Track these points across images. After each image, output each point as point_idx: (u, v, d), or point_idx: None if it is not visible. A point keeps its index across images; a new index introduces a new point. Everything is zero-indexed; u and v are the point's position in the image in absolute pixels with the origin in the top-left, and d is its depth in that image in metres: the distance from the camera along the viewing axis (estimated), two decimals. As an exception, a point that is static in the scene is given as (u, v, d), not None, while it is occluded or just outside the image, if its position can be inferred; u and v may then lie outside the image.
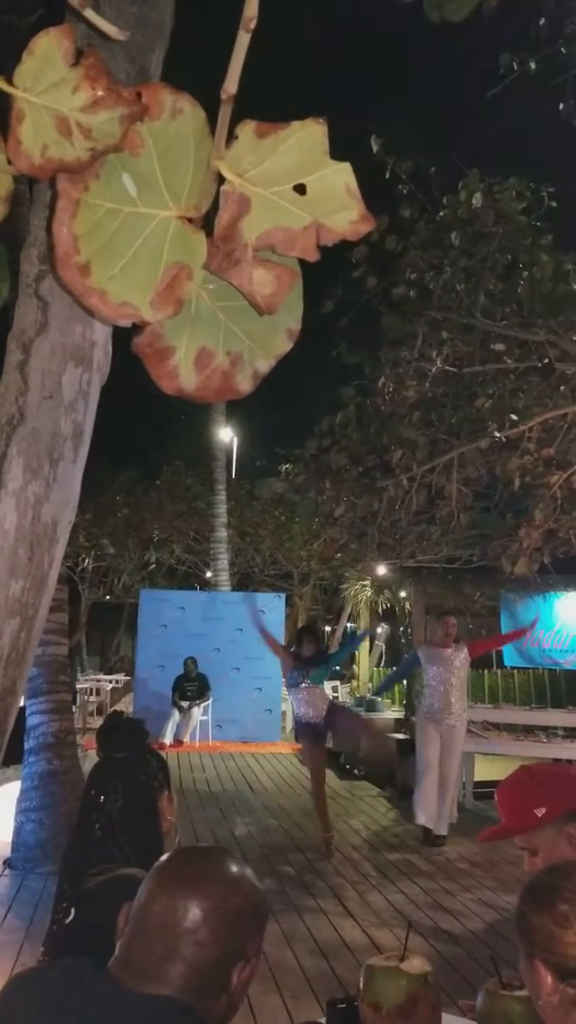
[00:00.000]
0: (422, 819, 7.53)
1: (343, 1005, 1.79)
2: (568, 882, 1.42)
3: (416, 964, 1.66)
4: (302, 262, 0.88)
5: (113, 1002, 1.18)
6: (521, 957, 1.43)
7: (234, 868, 1.31)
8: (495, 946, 4.94)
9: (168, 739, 12.76)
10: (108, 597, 25.76)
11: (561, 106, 5.71)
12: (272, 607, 15.08)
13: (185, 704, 13.28)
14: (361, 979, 1.68)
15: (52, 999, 1.21)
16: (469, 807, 8.98)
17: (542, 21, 5.36)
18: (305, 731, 7.49)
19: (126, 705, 16.77)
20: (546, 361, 6.16)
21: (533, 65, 5.49)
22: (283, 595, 16.32)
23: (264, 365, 0.95)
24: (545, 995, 1.36)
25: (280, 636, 15.08)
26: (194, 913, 1.21)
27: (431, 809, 7.49)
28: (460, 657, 7.65)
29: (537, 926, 1.39)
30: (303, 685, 7.40)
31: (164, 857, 1.37)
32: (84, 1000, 1.20)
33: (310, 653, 7.52)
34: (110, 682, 18.25)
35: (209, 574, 20.56)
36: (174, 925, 1.21)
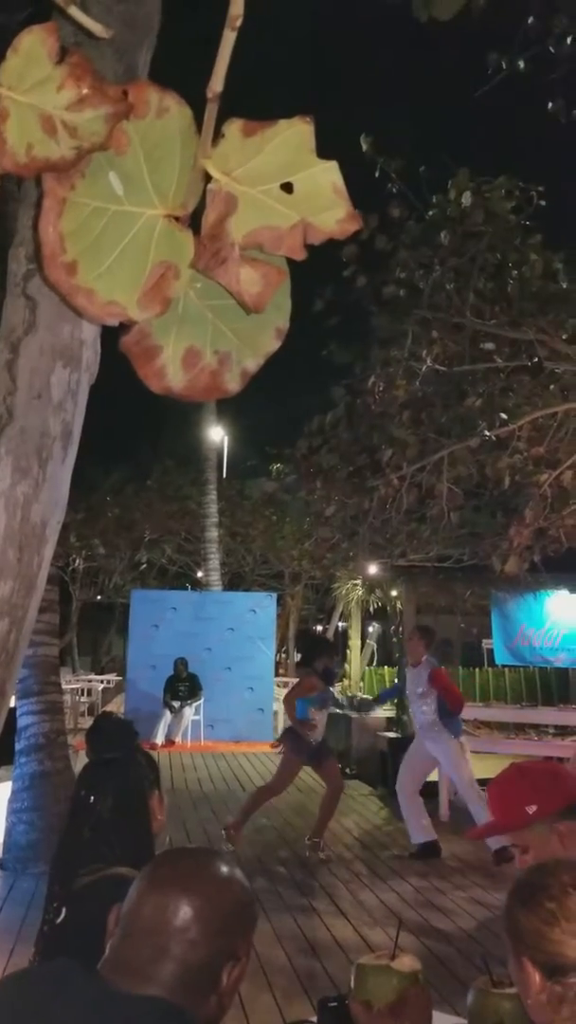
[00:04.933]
0: (413, 837, 7.27)
1: (335, 1004, 1.79)
2: (554, 880, 1.42)
3: (407, 962, 1.66)
4: (291, 260, 0.88)
5: (103, 1003, 1.17)
6: (510, 956, 1.43)
7: (224, 868, 1.31)
8: (486, 944, 4.96)
9: (160, 739, 12.76)
10: (99, 597, 25.73)
11: (550, 105, 5.72)
12: (263, 607, 15.09)
13: (176, 704, 13.28)
14: (352, 978, 1.68)
15: (42, 1000, 1.21)
16: (460, 805, 8.99)
17: (530, 20, 5.37)
18: (307, 751, 7.20)
19: (117, 705, 16.74)
20: (535, 360, 6.17)
21: (521, 64, 5.49)
22: (274, 595, 16.33)
23: (253, 364, 0.95)
24: (534, 993, 1.36)
25: (271, 636, 15.11)
26: (185, 912, 1.21)
27: (413, 826, 7.23)
28: (424, 676, 7.28)
29: (524, 924, 1.40)
30: (330, 708, 7.25)
31: (155, 857, 1.37)
32: (74, 1001, 1.19)
33: (324, 668, 7.28)
34: (101, 682, 18.22)
35: (200, 574, 20.57)
36: (165, 924, 1.21)
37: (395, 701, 10.61)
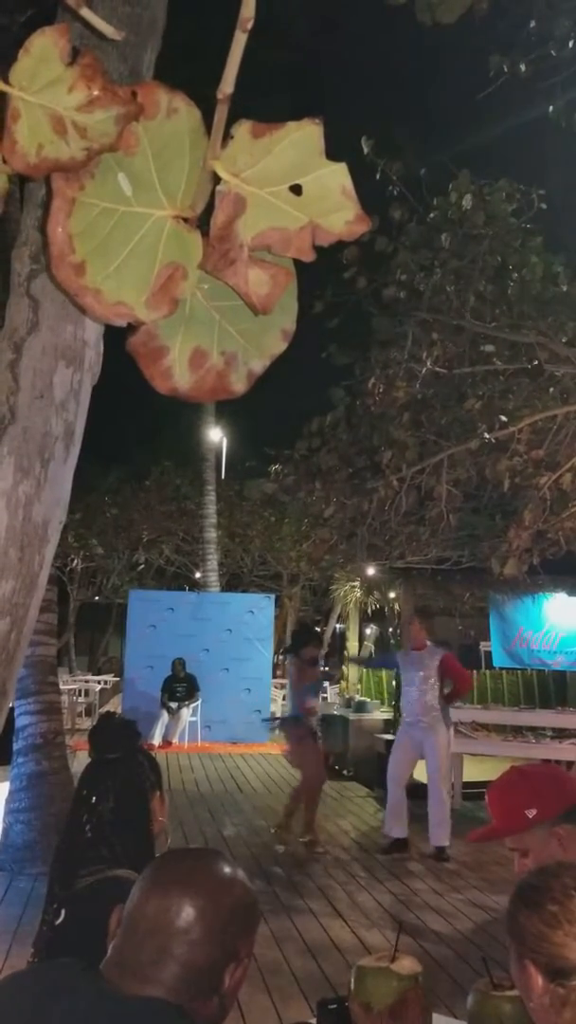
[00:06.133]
0: (387, 829, 7.40)
1: (334, 1005, 1.79)
2: (557, 882, 1.42)
3: (407, 965, 1.67)
4: (294, 262, 0.88)
5: (104, 1004, 1.17)
6: (512, 958, 1.43)
7: (227, 868, 1.31)
8: (484, 946, 4.95)
9: (156, 740, 12.73)
10: (97, 598, 25.71)
11: (551, 108, 5.73)
12: (261, 608, 15.07)
13: (174, 705, 13.26)
14: (352, 979, 1.68)
15: (42, 1001, 1.21)
16: (458, 808, 8.98)
17: (532, 23, 5.38)
18: (313, 735, 7.57)
19: (114, 706, 16.72)
20: (535, 363, 6.17)
21: (523, 67, 5.50)
22: (272, 596, 16.30)
23: (259, 365, 0.95)
24: (536, 996, 1.36)
25: (269, 637, 15.11)
26: (187, 912, 1.21)
27: (394, 820, 7.33)
28: (434, 658, 7.46)
29: (527, 927, 1.40)
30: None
31: (157, 858, 1.37)
32: (74, 1002, 1.19)
33: (311, 657, 7.68)
34: (99, 683, 18.19)
35: (198, 575, 20.56)
36: (167, 924, 1.21)
37: (393, 703, 10.62)
